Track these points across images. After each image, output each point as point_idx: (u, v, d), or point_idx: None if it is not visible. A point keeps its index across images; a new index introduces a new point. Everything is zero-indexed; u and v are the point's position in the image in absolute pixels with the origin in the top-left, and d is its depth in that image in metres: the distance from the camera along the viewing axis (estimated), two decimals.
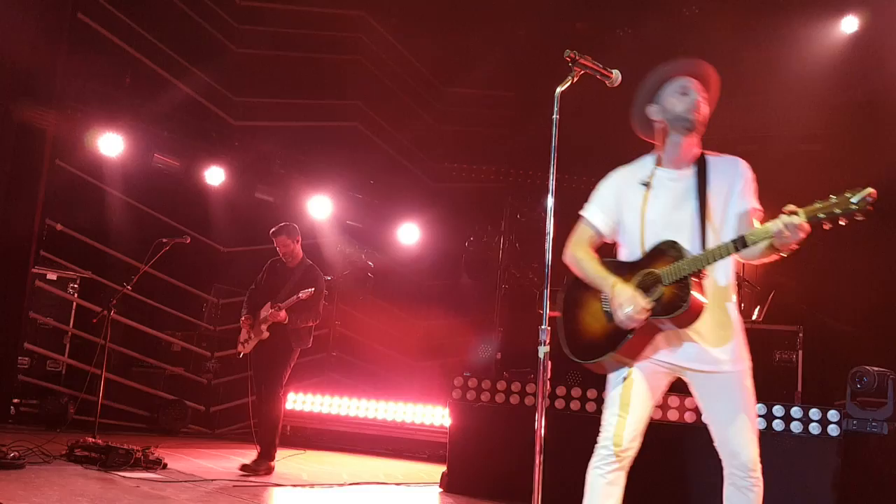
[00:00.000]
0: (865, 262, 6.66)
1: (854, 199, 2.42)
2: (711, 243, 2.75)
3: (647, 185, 2.88)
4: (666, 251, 2.76)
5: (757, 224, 2.72)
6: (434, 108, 10.00)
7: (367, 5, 9.38)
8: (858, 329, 6.58)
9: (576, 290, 2.97)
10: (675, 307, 2.66)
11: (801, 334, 5.91)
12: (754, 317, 6.25)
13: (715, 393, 2.82)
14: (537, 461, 2.68)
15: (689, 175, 2.88)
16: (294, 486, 5.56)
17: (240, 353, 6.13)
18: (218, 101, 9.06)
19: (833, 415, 4.78)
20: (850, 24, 7.57)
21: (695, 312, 2.68)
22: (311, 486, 5.64)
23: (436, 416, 7.84)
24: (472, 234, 9.13)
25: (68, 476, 4.94)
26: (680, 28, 7.94)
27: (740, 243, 2.61)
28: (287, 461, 6.68)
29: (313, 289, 5.91)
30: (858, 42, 7.48)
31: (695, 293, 2.66)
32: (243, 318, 6.07)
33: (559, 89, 2.83)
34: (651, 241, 2.82)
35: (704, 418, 2.91)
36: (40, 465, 5.18)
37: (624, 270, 2.85)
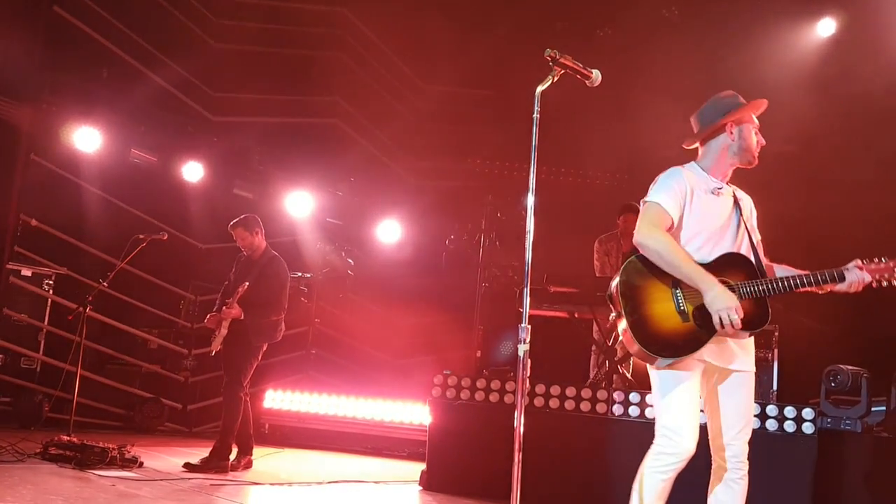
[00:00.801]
0: (841, 262, 6.73)
1: None
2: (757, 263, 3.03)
3: (714, 192, 3.08)
4: (739, 264, 2.97)
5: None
6: (414, 105, 9.98)
7: (347, 2, 9.34)
8: (833, 328, 6.67)
9: (640, 277, 2.99)
10: (756, 324, 2.92)
11: (776, 333, 5.98)
12: None
13: (732, 389, 3.02)
14: (516, 459, 2.69)
15: (731, 195, 3.13)
16: (272, 484, 5.53)
17: (212, 351, 6.06)
18: (196, 96, 8.97)
19: (808, 413, 4.85)
20: (826, 27, 7.67)
21: (764, 329, 2.97)
22: (290, 484, 5.61)
23: (415, 414, 7.84)
24: (453, 232, 9.12)
25: (42, 475, 4.88)
26: (659, 29, 8.00)
27: (839, 277, 2.96)
28: (265, 459, 6.64)
29: (247, 283, 5.84)
30: (835, 44, 7.57)
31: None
32: (209, 316, 5.99)
33: (540, 88, 2.84)
34: (701, 246, 2.99)
35: (706, 409, 3.06)
36: (14, 464, 5.12)
37: None
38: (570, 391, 5.36)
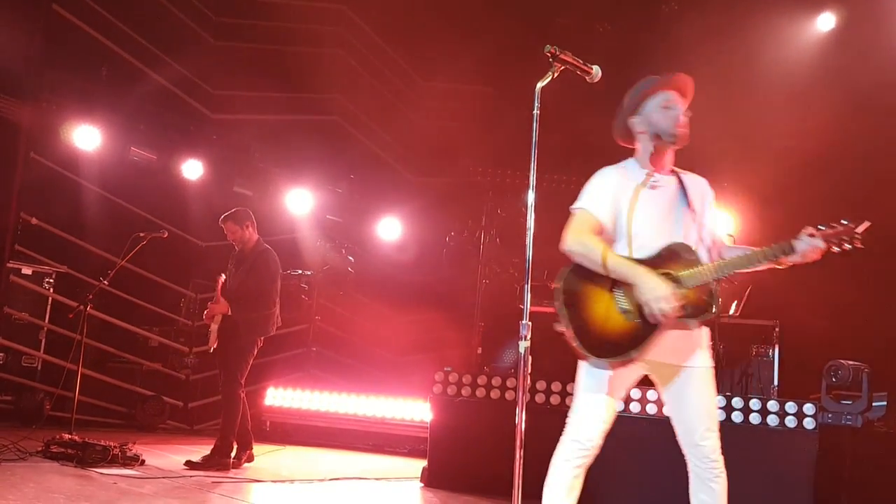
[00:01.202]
0: (840, 258, 6.74)
1: (858, 230, 2.73)
2: (702, 251, 2.95)
3: (644, 186, 2.98)
4: (680, 254, 2.88)
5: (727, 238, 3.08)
6: (414, 102, 9.97)
7: None
8: (834, 323, 6.67)
9: (578, 283, 2.94)
10: (704, 311, 2.83)
11: (777, 329, 5.98)
12: (731, 311, 6.31)
13: (688, 387, 2.92)
14: (518, 455, 2.69)
15: (673, 183, 3.03)
16: (274, 481, 5.54)
17: (209, 347, 6.05)
18: (196, 93, 8.97)
19: (809, 408, 4.84)
20: (826, 22, 7.66)
21: (714, 315, 2.85)
22: (291, 481, 5.62)
23: (416, 411, 7.84)
24: (453, 229, 9.14)
25: (44, 473, 4.88)
26: (659, 24, 7.98)
27: (789, 249, 2.79)
28: (267, 457, 6.65)
29: (223, 276, 5.83)
30: (836, 39, 7.56)
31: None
32: (206, 312, 5.98)
33: (539, 84, 2.83)
34: (645, 243, 2.90)
35: (668, 411, 2.99)
36: (16, 462, 5.12)
37: None
38: (571, 387, 5.35)
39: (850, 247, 2.75)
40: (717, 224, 3.11)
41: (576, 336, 2.85)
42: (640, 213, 2.95)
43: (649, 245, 2.91)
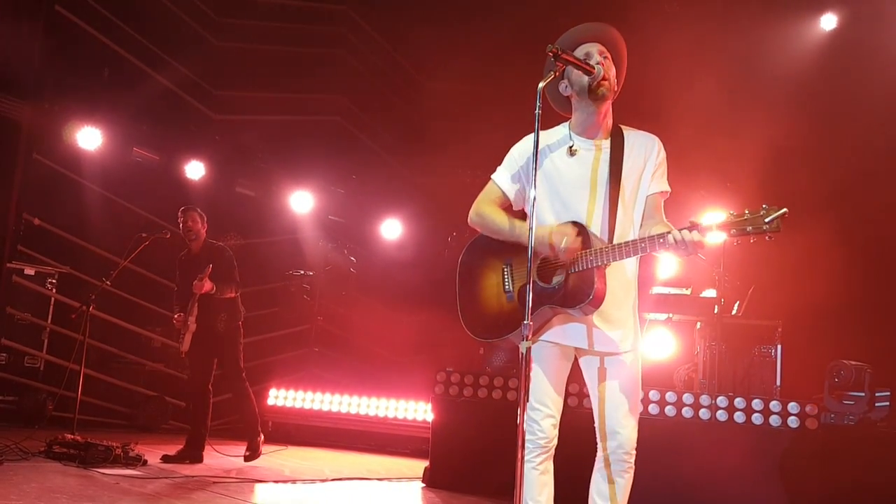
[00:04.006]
0: (843, 258, 6.74)
1: (767, 219, 2.40)
2: (620, 224, 2.76)
3: (568, 153, 2.85)
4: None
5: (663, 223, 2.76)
6: (416, 102, 9.97)
7: None
8: (836, 324, 6.66)
9: (476, 257, 2.95)
10: (579, 299, 2.66)
11: (779, 329, 5.98)
12: (734, 311, 6.30)
13: (603, 373, 2.82)
14: (519, 455, 2.68)
15: (604, 147, 2.87)
16: (276, 481, 5.54)
17: (182, 352, 6.08)
18: (198, 94, 8.97)
19: (811, 408, 4.84)
20: (828, 22, 7.65)
21: (597, 302, 2.69)
22: (294, 481, 5.63)
23: (418, 411, 7.85)
24: (455, 230, 9.13)
25: (47, 473, 4.89)
26: (661, 23, 7.97)
27: (661, 242, 2.57)
28: (269, 457, 6.65)
29: (211, 265, 5.96)
30: (837, 39, 7.56)
31: (598, 284, 2.66)
32: (175, 317, 6.06)
33: (541, 85, 2.82)
34: (558, 215, 2.81)
35: (592, 400, 2.90)
36: (18, 462, 5.13)
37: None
38: (573, 388, 5.36)
39: (754, 239, 2.44)
40: (658, 192, 2.86)
41: (460, 310, 2.85)
42: (550, 181, 2.85)
43: (551, 217, 2.82)
